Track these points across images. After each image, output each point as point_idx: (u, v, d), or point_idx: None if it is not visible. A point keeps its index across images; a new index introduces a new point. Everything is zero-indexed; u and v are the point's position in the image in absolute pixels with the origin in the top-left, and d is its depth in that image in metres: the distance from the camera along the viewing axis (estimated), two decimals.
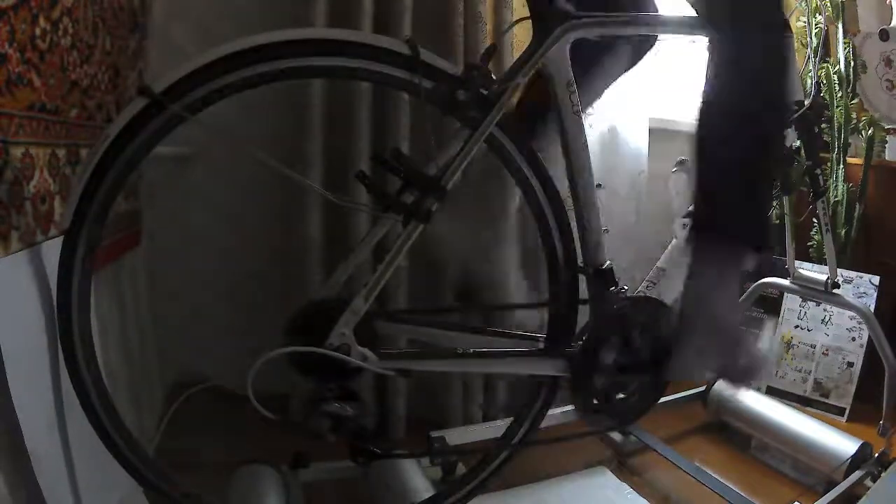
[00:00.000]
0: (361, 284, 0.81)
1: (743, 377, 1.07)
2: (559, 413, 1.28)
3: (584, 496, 1.21)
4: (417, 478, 1.10)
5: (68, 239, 0.72)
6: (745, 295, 1.56)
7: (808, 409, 1.66)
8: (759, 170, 0.98)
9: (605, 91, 1.08)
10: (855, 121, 1.79)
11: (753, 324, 1.83)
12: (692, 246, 0.98)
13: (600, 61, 1.01)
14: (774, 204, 1.47)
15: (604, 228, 0.94)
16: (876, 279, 1.67)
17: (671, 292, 1.04)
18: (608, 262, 0.94)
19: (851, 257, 1.77)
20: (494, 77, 0.83)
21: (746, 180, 0.96)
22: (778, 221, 1.88)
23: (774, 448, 1.40)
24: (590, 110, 1.03)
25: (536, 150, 0.89)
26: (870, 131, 1.76)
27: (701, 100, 0.94)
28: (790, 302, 1.79)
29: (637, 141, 1.75)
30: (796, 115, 1.15)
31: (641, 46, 1.07)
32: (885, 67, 1.63)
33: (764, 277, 1.53)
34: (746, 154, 0.94)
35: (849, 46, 1.75)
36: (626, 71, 1.08)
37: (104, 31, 1.03)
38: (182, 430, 1.31)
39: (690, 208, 1.01)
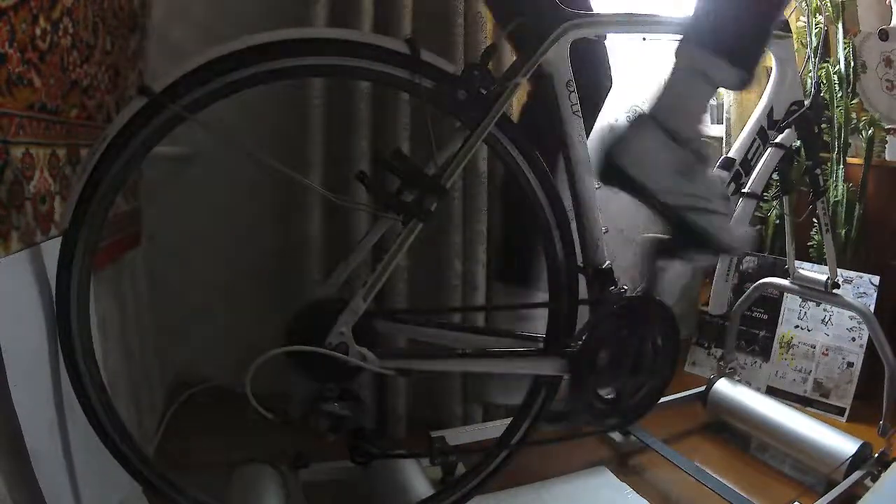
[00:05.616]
0: (361, 284, 0.81)
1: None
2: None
3: (584, 496, 1.21)
4: (417, 478, 1.09)
5: (68, 239, 0.72)
6: (745, 294, 1.57)
7: (808, 409, 1.66)
8: None
9: None
10: (855, 121, 1.79)
11: (754, 324, 1.83)
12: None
13: None
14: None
15: (603, 228, 0.94)
16: (876, 279, 1.67)
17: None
18: (608, 262, 0.94)
19: (851, 257, 1.77)
20: (494, 77, 0.83)
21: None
22: (778, 221, 1.89)
23: (774, 448, 1.39)
24: None
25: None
26: (870, 131, 1.75)
27: None
28: (790, 302, 1.79)
29: None
30: (796, 115, 1.15)
31: None
32: (885, 67, 1.63)
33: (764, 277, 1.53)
34: None
35: (849, 46, 1.75)
36: None
37: (104, 31, 1.03)
38: (182, 430, 1.31)
39: None
